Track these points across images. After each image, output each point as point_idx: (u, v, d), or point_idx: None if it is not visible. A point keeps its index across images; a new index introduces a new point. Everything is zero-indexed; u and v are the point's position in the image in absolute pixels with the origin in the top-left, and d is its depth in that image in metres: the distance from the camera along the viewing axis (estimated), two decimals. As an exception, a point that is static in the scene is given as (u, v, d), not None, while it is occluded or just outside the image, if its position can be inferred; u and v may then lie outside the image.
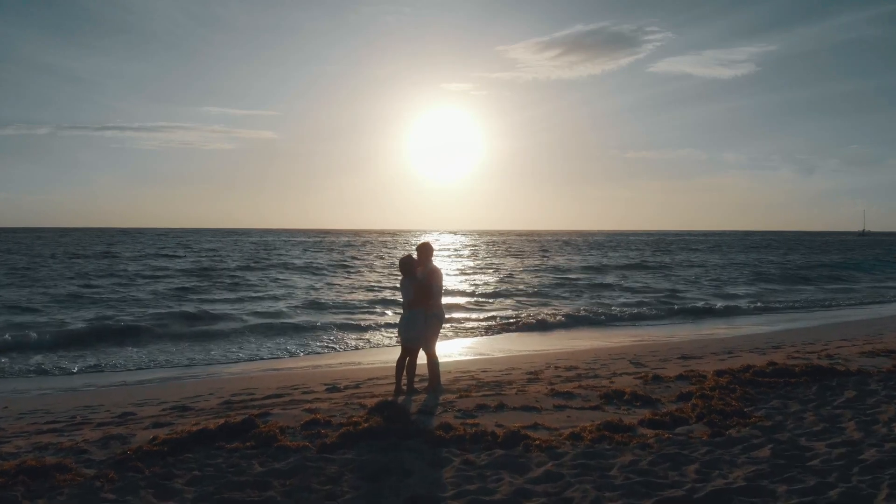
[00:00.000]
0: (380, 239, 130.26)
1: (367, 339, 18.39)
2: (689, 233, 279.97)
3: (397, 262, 9.24)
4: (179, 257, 57.19)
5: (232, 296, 28.57)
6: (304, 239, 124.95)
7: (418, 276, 8.87)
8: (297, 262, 53.17)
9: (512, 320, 21.41)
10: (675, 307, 25.60)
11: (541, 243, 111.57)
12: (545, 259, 60.97)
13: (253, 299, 27.37)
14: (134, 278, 36.07)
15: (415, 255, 9.12)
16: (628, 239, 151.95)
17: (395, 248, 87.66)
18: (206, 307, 23.96)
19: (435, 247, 9.73)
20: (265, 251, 71.90)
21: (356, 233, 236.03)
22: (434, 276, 8.90)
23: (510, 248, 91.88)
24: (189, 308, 23.45)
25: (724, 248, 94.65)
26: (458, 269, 46.48)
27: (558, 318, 22.00)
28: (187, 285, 32.30)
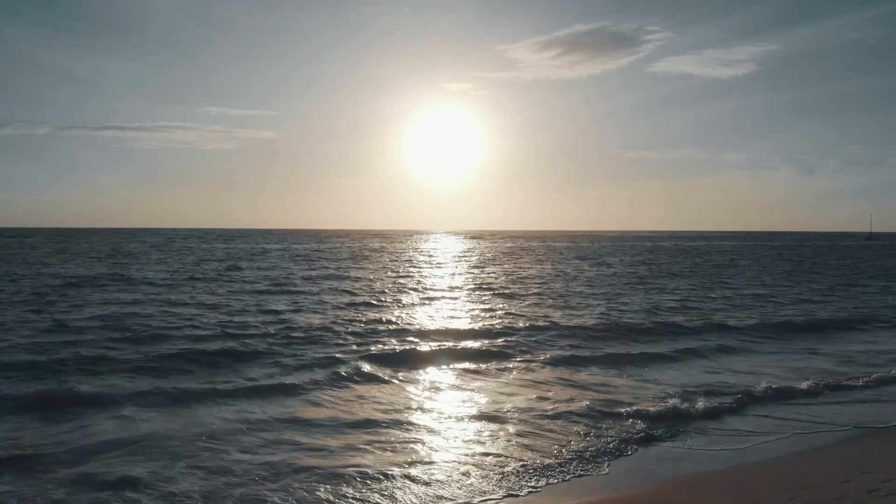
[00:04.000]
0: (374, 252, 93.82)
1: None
2: (699, 234, 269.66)
3: None
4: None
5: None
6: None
7: None
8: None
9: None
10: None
11: (558, 249, 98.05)
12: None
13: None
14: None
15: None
16: (656, 244, 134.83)
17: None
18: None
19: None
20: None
21: (355, 233, 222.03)
22: None
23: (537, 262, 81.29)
24: None
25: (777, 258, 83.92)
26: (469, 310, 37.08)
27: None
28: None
